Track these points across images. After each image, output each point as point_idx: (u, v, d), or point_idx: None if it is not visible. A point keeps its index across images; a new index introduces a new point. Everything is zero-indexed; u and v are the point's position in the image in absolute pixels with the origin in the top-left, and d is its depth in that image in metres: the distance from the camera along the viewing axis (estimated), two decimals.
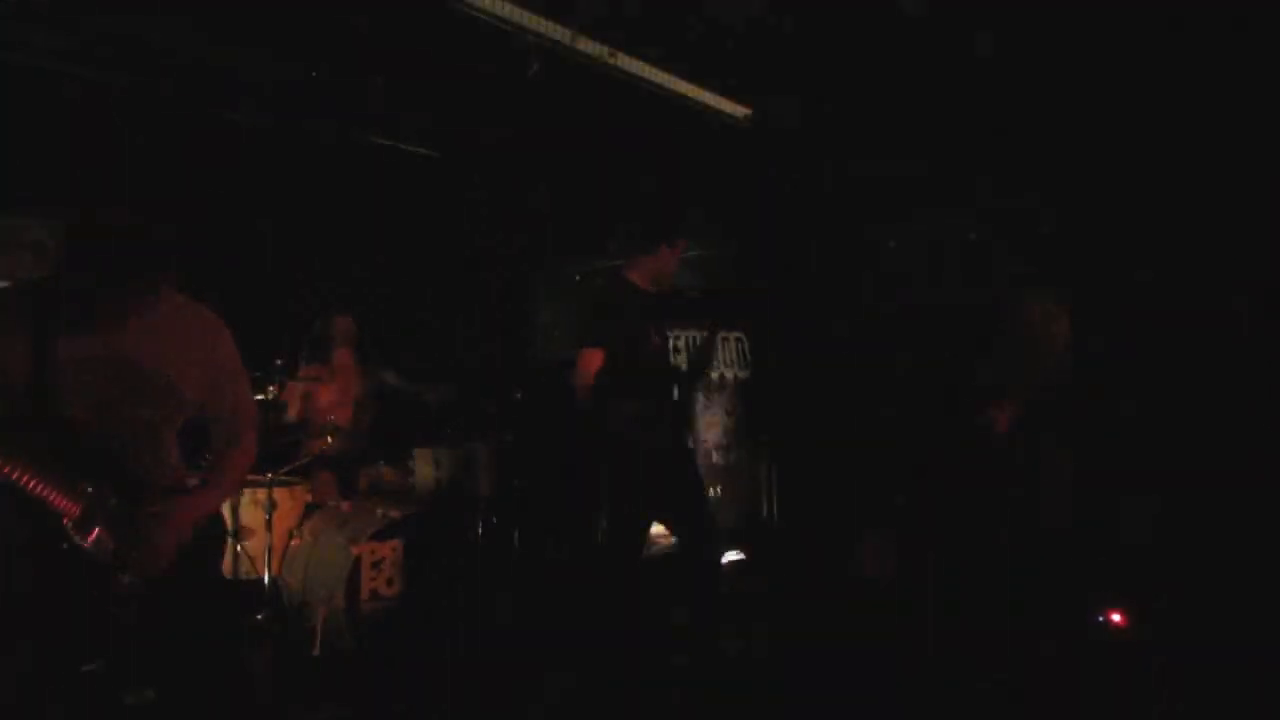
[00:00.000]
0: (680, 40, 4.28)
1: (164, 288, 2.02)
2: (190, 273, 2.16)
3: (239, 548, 3.98)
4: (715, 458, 6.05)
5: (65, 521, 1.88)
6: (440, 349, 5.19)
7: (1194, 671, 3.46)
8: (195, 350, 2.07)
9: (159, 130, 4.23)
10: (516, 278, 6.02)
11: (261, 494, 3.95)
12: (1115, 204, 3.81)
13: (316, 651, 3.78)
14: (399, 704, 3.51)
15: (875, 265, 4.87)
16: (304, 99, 4.56)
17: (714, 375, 6.07)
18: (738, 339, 6.22)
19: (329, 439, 4.28)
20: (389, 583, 3.96)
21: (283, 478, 4.09)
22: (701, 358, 4.38)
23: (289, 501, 4.16)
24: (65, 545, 1.88)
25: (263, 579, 3.91)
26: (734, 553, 5.61)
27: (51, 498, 1.86)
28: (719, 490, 6.03)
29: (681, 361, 5.86)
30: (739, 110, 5.15)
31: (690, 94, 4.83)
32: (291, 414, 4.39)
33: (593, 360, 3.34)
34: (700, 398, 5.99)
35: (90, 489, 1.90)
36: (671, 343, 5.91)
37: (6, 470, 1.85)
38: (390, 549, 3.97)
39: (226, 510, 3.94)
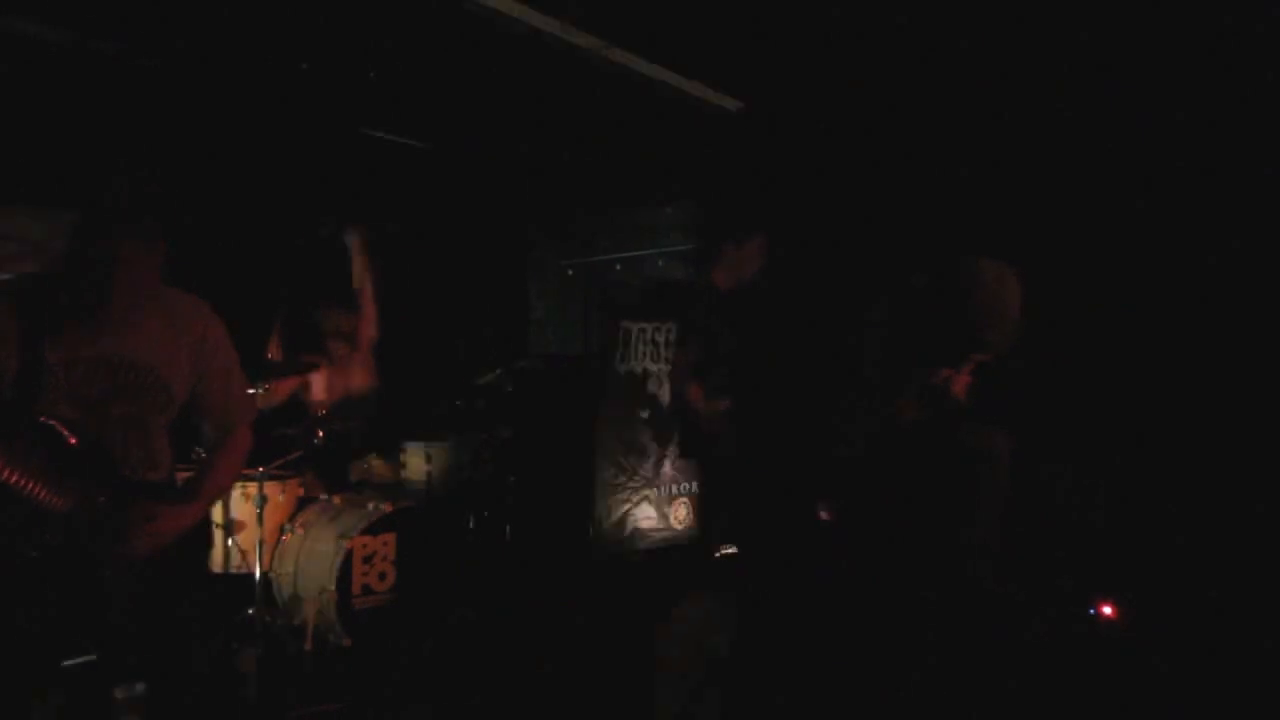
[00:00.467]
0: (673, 31, 4.27)
1: (155, 281, 2.00)
2: (181, 266, 2.13)
3: (230, 542, 3.95)
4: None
5: (52, 517, 1.86)
6: (433, 342, 5.17)
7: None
8: (185, 343, 2.05)
9: (142, 121, 4.21)
10: (508, 271, 6.00)
11: (252, 488, 3.92)
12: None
13: (308, 646, 3.77)
14: (390, 698, 3.50)
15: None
16: (291, 89, 4.53)
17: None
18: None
19: (320, 433, 4.26)
20: (381, 577, 3.95)
21: (274, 472, 4.07)
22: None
23: (280, 496, 4.14)
24: (53, 542, 1.87)
25: (254, 573, 3.89)
26: (726, 547, 5.61)
27: (40, 496, 1.85)
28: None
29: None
30: (730, 102, 5.14)
31: (683, 86, 4.81)
32: (275, 400, 4.35)
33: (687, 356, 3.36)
34: None
35: (80, 487, 1.88)
36: (665, 335, 5.95)
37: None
38: (382, 543, 3.96)
39: (218, 503, 3.93)
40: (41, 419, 1.87)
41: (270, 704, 3.39)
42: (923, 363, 2.19)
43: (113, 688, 3.18)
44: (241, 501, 3.99)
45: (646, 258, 6.07)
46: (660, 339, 5.90)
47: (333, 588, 3.74)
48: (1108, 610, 4.03)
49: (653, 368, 5.87)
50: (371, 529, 3.89)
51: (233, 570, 3.96)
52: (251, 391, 3.96)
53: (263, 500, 3.89)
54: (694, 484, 5.92)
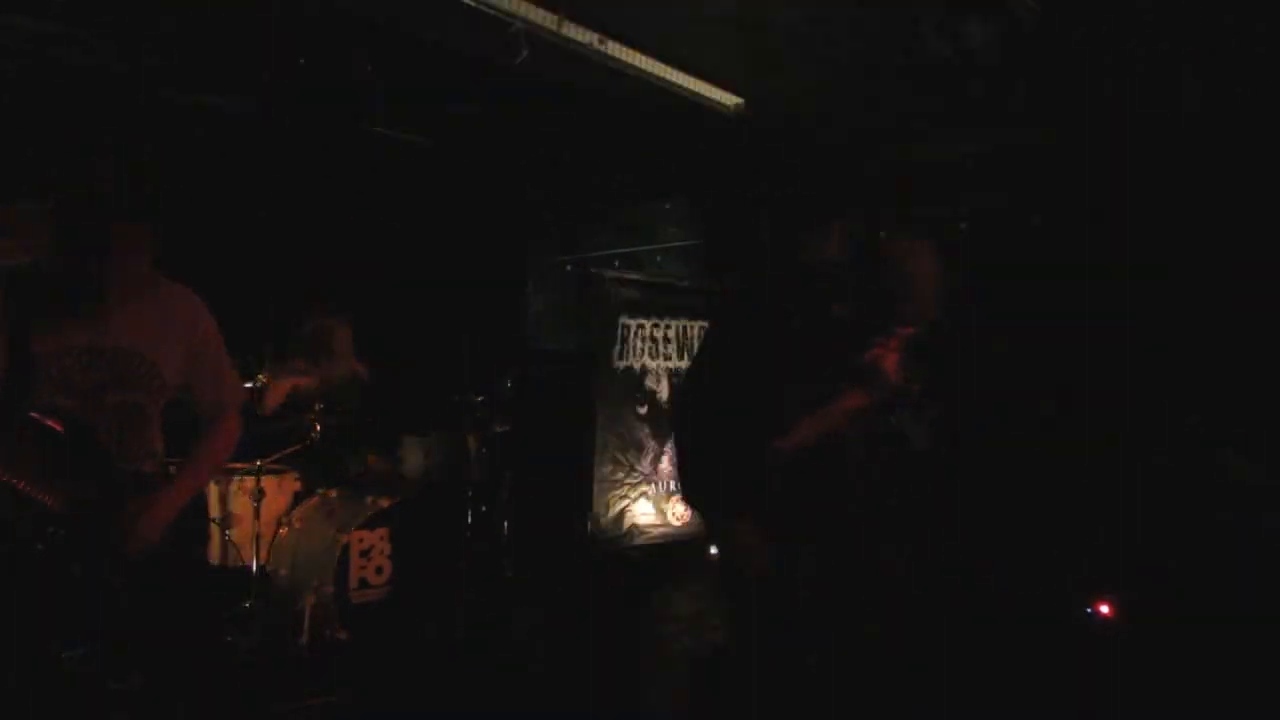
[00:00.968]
0: (671, 27, 4.26)
1: (145, 269, 2.01)
2: (175, 258, 2.14)
3: (226, 535, 3.96)
4: None
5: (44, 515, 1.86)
6: (429, 338, 5.17)
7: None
8: (175, 331, 2.06)
9: (139, 115, 4.20)
10: (506, 267, 6.00)
11: (249, 482, 3.93)
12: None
13: (305, 640, 3.78)
14: (387, 692, 3.51)
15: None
16: (289, 85, 4.52)
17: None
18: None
19: (316, 428, 4.26)
20: (378, 571, 3.96)
21: (271, 466, 4.07)
22: None
23: (277, 490, 4.15)
24: (49, 534, 1.87)
25: (250, 567, 3.90)
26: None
27: (32, 491, 1.85)
28: None
29: (672, 352, 5.88)
30: (730, 99, 5.13)
31: (681, 83, 4.81)
32: (271, 404, 4.35)
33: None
34: None
35: (71, 480, 1.89)
36: (663, 332, 5.95)
37: None
38: (379, 537, 3.97)
39: (215, 498, 3.93)
40: (31, 415, 1.87)
41: (266, 697, 3.40)
42: (853, 343, 2.24)
43: (108, 681, 3.20)
44: (239, 495, 4.00)
45: (644, 254, 6.07)
46: (659, 335, 5.91)
47: (329, 581, 3.75)
48: (1105, 609, 4.04)
49: (651, 364, 5.88)
50: (369, 523, 3.90)
51: (230, 564, 3.97)
52: (249, 386, 3.98)
53: (260, 494, 3.90)
54: None
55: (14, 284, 1.91)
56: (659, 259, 6.07)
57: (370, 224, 5.32)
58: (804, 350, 2.33)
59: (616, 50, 4.35)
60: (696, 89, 4.95)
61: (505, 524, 4.68)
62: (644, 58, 4.52)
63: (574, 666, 3.59)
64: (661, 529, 5.76)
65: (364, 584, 3.90)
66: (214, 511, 3.91)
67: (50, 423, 1.88)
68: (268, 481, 4.02)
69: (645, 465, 5.72)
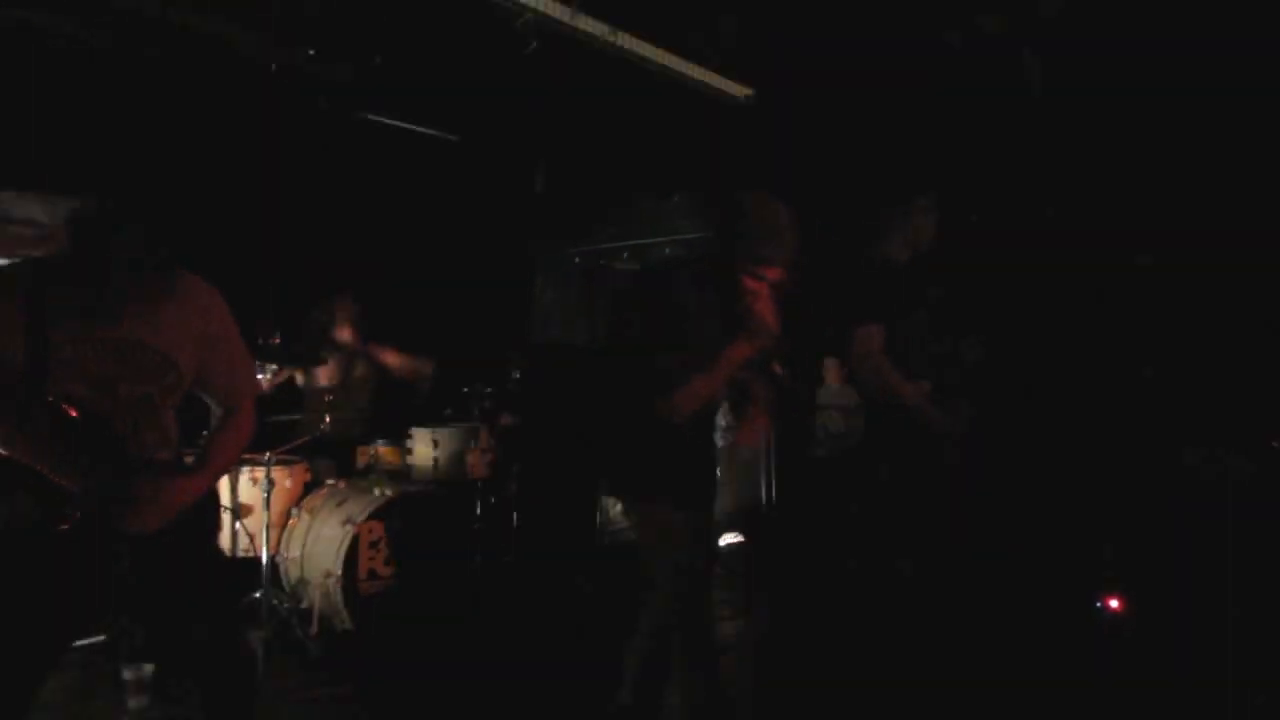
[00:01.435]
0: (681, 18, 4.25)
1: (162, 263, 2.01)
2: (188, 250, 2.14)
3: (237, 525, 3.98)
4: (716, 438, 6.03)
5: (62, 497, 1.87)
6: (439, 329, 5.17)
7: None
8: (191, 322, 2.06)
9: (153, 104, 4.21)
10: (515, 259, 6.00)
11: (260, 472, 3.94)
12: None
13: (314, 629, 3.80)
14: (396, 682, 3.52)
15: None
16: (303, 77, 4.53)
17: None
18: None
19: (327, 419, 4.27)
20: (386, 562, 3.97)
21: (282, 456, 4.09)
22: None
23: (287, 480, 4.16)
24: (65, 521, 1.88)
25: (260, 557, 3.91)
26: (732, 535, 5.63)
27: (50, 474, 1.86)
28: (719, 473, 6.02)
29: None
30: (740, 90, 5.12)
31: (691, 73, 4.80)
32: (274, 383, 4.35)
33: (873, 337, 3.13)
34: None
35: (87, 464, 1.89)
36: None
37: (8, 448, 1.85)
38: (388, 528, 3.97)
39: (226, 488, 3.95)
40: (50, 398, 1.88)
41: (276, 687, 3.42)
42: (729, 296, 2.48)
43: (122, 668, 3.22)
44: (249, 485, 4.02)
45: (654, 246, 6.06)
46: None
47: (338, 572, 3.76)
48: (1114, 604, 4.04)
49: None
50: (377, 514, 3.91)
51: (240, 554, 3.99)
52: (261, 376, 3.99)
53: (270, 484, 3.91)
54: None
55: (35, 275, 1.91)
56: (668, 250, 6.06)
57: (377, 217, 5.33)
58: (692, 318, 2.47)
59: (627, 41, 4.34)
60: (706, 79, 4.94)
61: (514, 516, 4.69)
62: (654, 49, 4.51)
63: (582, 658, 3.60)
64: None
65: (373, 574, 3.91)
66: (225, 501, 3.92)
67: (67, 408, 1.88)
68: (278, 472, 4.04)
69: None
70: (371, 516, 3.88)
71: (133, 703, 3.17)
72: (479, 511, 4.39)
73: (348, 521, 3.83)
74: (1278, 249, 3.93)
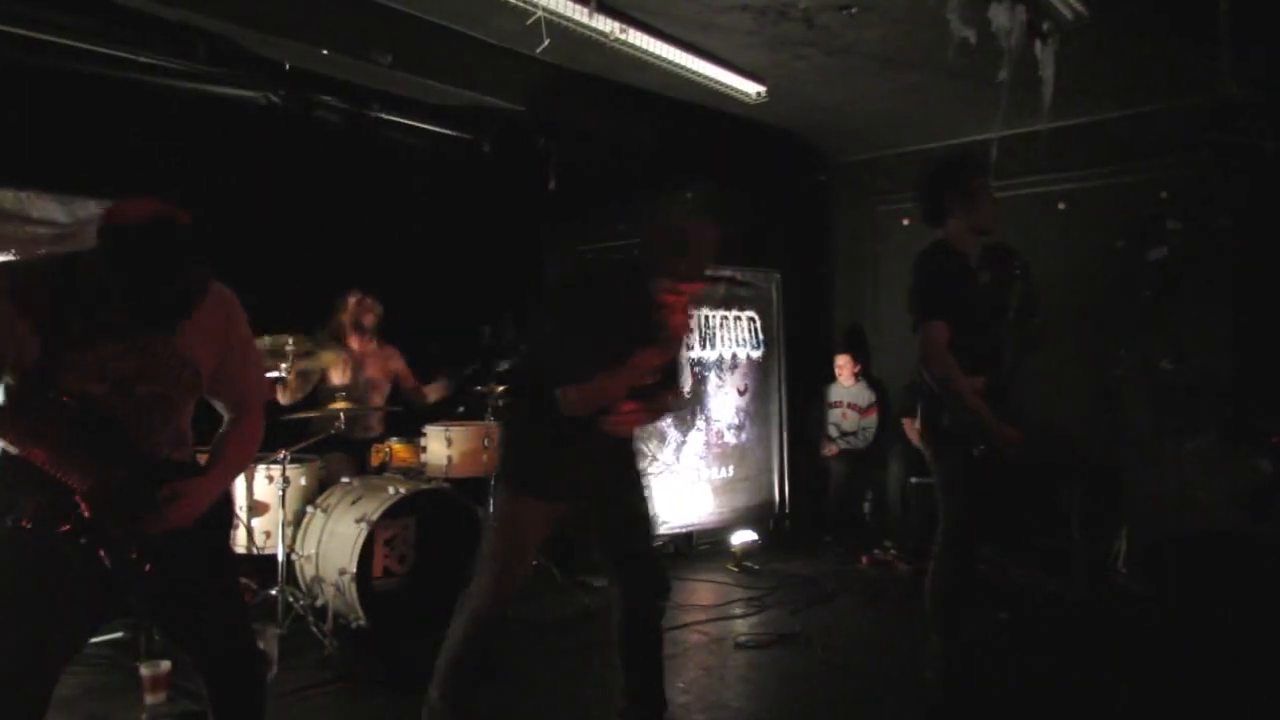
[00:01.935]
0: (693, 15, 4.24)
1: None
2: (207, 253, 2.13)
3: (252, 523, 4.00)
4: (727, 437, 6.05)
5: (77, 497, 1.88)
6: (449, 327, 5.17)
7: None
8: (211, 328, 2.07)
9: (166, 105, 4.24)
10: (525, 255, 5.99)
11: (275, 470, 3.96)
12: None
13: (329, 626, 3.81)
14: (409, 679, 3.53)
15: None
16: (314, 76, 4.54)
17: (726, 354, 6.06)
18: (750, 319, 6.20)
19: (341, 417, 4.29)
20: (401, 559, 3.98)
21: (297, 454, 4.10)
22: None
23: (302, 478, 4.18)
24: (80, 519, 1.89)
25: (276, 554, 3.93)
26: (746, 533, 5.62)
27: (66, 474, 1.87)
28: (730, 470, 6.03)
29: (693, 340, 5.86)
30: (754, 88, 5.10)
31: (704, 71, 4.79)
32: (294, 395, 4.38)
33: (941, 333, 3.02)
34: (713, 376, 5.98)
35: (100, 464, 1.90)
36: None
37: (22, 446, 1.86)
38: (403, 526, 3.99)
39: (241, 486, 3.97)
40: (63, 398, 1.88)
41: (291, 684, 3.44)
42: (645, 306, 2.63)
43: (139, 665, 3.25)
44: (265, 483, 4.04)
45: None
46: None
47: (353, 569, 3.78)
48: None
49: None
50: (392, 511, 3.92)
51: (255, 551, 4.01)
52: (272, 376, 4.01)
53: (285, 482, 3.93)
54: (715, 471, 5.93)
55: (54, 272, 1.92)
56: None
57: (390, 213, 5.34)
58: (614, 316, 2.58)
59: (639, 39, 4.33)
60: (718, 76, 4.92)
61: None
62: (667, 47, 4.51)
63: (593, 655, 3.60)
64: (684, 518, 5.76)
65: (387, 572, 3.93)
66: (240, 499, 3.95)
67: (76, 406, 1.89)
68: (293, 469, 4.05)
69: (668, 454, 5.72)
70: (386, 514, 3.89)
71: (150, 699, 3.20)
72: (493, 508, 4.39)
73: (362, 519, 3.85)
74: None
